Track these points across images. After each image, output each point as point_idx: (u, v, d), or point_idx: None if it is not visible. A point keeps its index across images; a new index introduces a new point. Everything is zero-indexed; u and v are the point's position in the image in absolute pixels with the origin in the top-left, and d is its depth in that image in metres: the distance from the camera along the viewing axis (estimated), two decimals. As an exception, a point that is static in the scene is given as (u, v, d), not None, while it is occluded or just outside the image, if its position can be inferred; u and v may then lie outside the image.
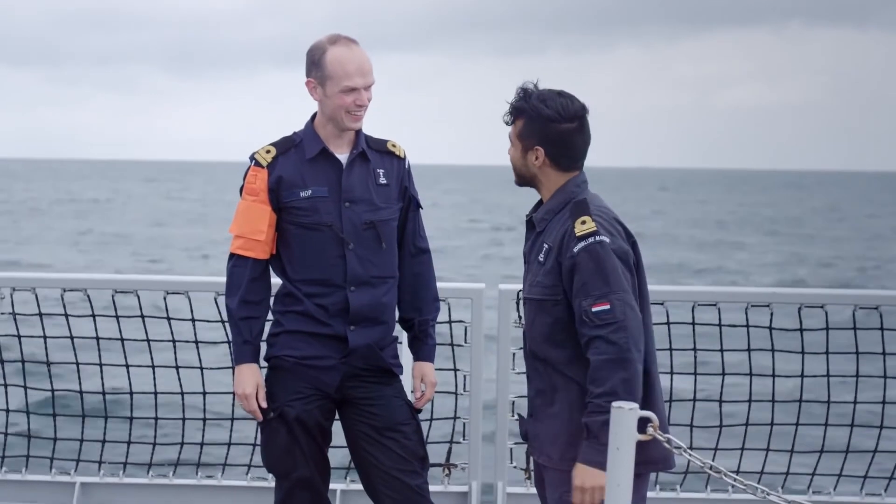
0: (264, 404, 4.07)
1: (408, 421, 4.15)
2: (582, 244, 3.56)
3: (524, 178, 3.77)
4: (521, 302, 3.85)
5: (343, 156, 4.08)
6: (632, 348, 3.47)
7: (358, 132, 4.10)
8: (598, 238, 3.56)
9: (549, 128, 3.66)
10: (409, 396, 4.27)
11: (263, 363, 4.17)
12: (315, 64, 4.02)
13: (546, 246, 3.67)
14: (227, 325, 5.30)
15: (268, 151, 4.08)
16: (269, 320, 4.21)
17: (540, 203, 3.78)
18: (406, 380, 4.32)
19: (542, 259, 3.67)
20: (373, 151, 4.13)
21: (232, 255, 4.11)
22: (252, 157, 4.10)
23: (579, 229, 3.58)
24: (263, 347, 4.20)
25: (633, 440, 3.22)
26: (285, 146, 4.09)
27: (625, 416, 3.22)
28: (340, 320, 4.04)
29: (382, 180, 4.11)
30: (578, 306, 3.54)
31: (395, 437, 4.10)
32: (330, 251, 4.03)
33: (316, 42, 4.06)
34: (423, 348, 4.26)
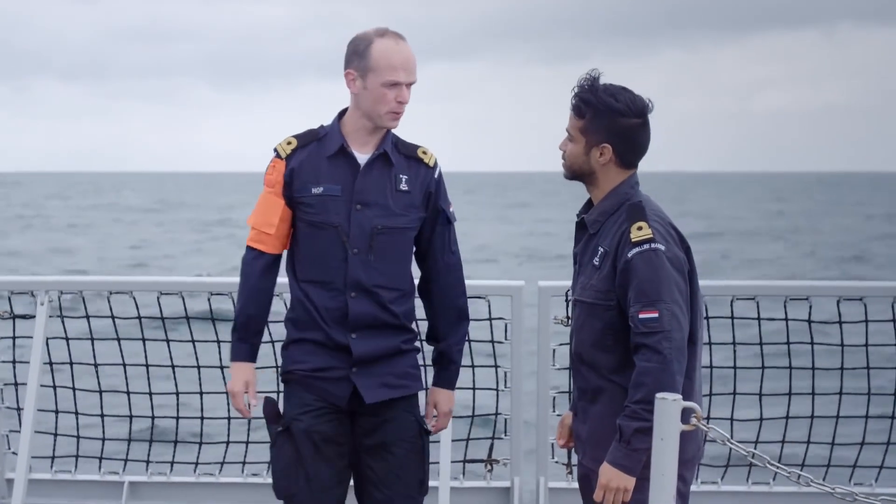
0: (254, 401, 3.94)
1: (413, 439, 3.95)
2: (636, 250, 3.50)
3: (579, 175, 3.67)
4: (571, 303, 3.77)
5: (364, 156, 3.89)
6: (674, 360, 3.44)
7: (387, 132, 3.91)
8: (653, 245, 3.50)
9: (619, 123, 3.57)
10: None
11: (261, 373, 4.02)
12: (358, 54, 3.83)
13: (601, 250, 3.60)
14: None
15: (289, 143, 3.93)
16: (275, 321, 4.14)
17: (589, 203, 3.70)
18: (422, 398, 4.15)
19: (597, 263, 3.60)
20: (399, 156, 3.93)
21: (246, 247, 3.98)
22: (275, 149, 3.97)
23: (635, 235, 3.51)
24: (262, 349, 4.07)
25: (676, 430, 3.25)
26: (307, 139, 3.93)
27: (669, 406, 3.24)
28: (340, 328, 3.86)
29: (404, 186, 3.90)
30: (629, 312, 3.51)
31: (396, 454, 3.92)
32: (334, 253, 3.86)
33: (361, 33, 3.87)
34: (442, 373, 4.05)
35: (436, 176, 3.98)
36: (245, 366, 3.95)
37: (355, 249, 3.85)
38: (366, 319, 3.86)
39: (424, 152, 3.98)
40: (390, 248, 3.88)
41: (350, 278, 3.85)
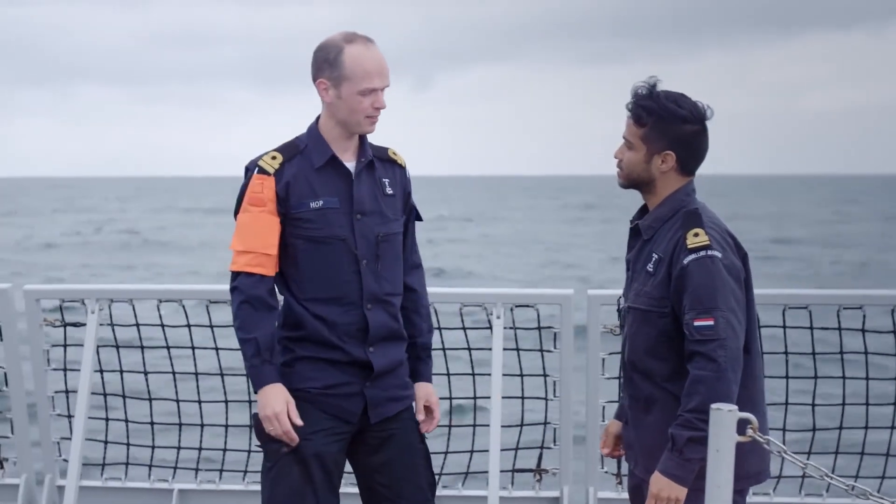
0: (298, 422, 3.70)
1: (416, 444, 3.91)
2: (693, 256, 3.47)
3: (637, 183, 3.63)
4: (624, 310, 3.72)
5: (350, 164, 3.79)
6: (729, 369, 3.40)
7: (363, 138, 3.82)
8: (710, 252, 3.46)
9: (682, 130, 3.54)
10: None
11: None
12: (329, 63, 3.70)
13: (655, 256, 3.56)
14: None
15: (273, 158, 3.75)
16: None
17: (644, 209, 3.67)
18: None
19: (651, 269, 3.57)
20: (377, 160, 3.86)
21: (237, 274, 3.73)
22: (255, 166, 3.76)
23: (691, 241, 3.48)
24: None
25: (732, 442, 3.19)
26: (290, 152, 3.78)
27: (724, 417, 3.19)
28: (356, 342, 3.76)
29: (389, 190, 3.84)
30: (684, 319, 3.48)
31: (405, 463, 3.86)
32: (344, 267, 3.74)
33: (328, 40, 3.74)
34: (424, 369, 3.97)
35: (408, 175, 3.96)
36: (280, 387, 3.72)
37: (365, 260, 3.76)
38: (382, 332, 3.79)
39: (395, 153, 3.93)
40: (390, 255, 3.83)
41: (366, 291, 3.76)
